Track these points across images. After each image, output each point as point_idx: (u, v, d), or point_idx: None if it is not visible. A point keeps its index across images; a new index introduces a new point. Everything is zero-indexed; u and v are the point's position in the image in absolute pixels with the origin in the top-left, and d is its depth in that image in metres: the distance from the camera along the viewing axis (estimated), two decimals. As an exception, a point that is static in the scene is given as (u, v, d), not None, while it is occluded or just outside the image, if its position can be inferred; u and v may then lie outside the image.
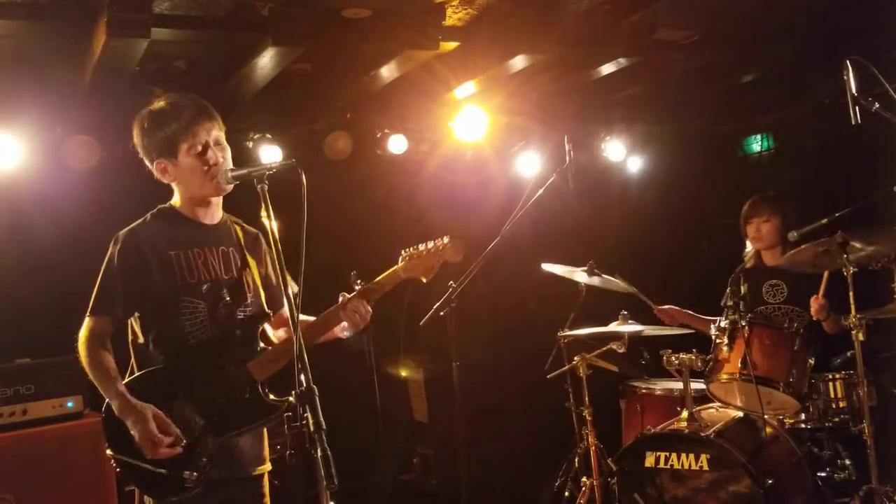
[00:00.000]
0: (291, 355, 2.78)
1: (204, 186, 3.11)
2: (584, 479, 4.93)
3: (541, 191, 4.63)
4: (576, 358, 4.91)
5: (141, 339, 3.12)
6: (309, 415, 2.40)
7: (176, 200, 3.22)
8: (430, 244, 3.30)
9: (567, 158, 4.80)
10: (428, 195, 6.77)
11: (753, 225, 5.02)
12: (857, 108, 3.24)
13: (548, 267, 5.07)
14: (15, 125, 4.90)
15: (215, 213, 3.26)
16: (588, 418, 4.89)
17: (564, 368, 5.02)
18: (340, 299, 3.20)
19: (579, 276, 5.01)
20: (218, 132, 3.14)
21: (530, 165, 6.78)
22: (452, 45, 5.11)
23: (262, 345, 3.18)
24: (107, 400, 3.00)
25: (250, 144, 5.57)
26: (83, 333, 3.07)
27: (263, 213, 2.71)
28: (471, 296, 4.52)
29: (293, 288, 2.85)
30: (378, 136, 6.17)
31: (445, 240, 3.32)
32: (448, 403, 6.52)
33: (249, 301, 3.20)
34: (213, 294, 3.11)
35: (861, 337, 4.11)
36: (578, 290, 5.15)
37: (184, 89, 5.25)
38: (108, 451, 3.03)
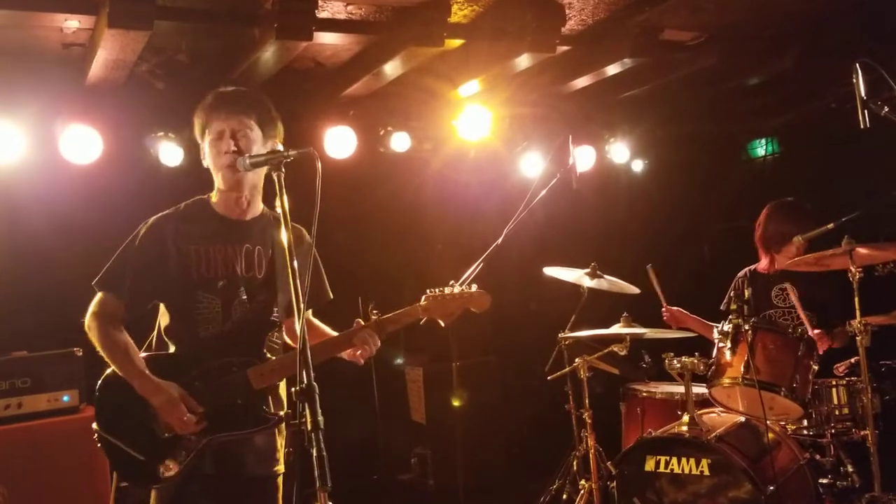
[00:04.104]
0: (291, 371, 2.80)
1: (218, 173, 3.13)
2: (582, 481, 4.90)
3: (544, 191, 4.59)
4: (576, 360, 4.87)
5: (162, 324, 3.15)
6: (308, 413, 2.36)
7: (213, 192, 3.21)
8: (457, 289, 3.25)
9: (571, 159, 4.76)
10: (430, 193, 6.75)
11: (793, 246, 4.89)
12: (865, 111, 3.21)
13: (550, 271, 5.03)
14: (14, 118, 4.87)
15: (250, 208, 3.21)
16: (588, 421, 4.85)
17: (565, 370, 4.99)
18: (355, 325, 3.17)
19: (581, 278, 4.97)
20: (244, 123, 3.13)
21: (533, 165, 6.75)
22: (457, 42, 5.09)
23: (268, 353, 3.15)
24: (103, 377, 3.03)
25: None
26: (92, 308, 3.07)
27: (278, 201, 2.68)
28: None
29: (328, 294, 3.00)
30: (381, 133, 6.14)
31: (473, 288, 3.26)
32: (446, 404, 6.53)
33: (266, 304, 3.17)
34: (229, 291, 3.09)
35: (866, 343, 4.08)
36: (580, 292, 5.12)
37: (186, 83, 5.28)
38: (95, 426, 3.04)
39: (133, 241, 3.10)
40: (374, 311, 3.19)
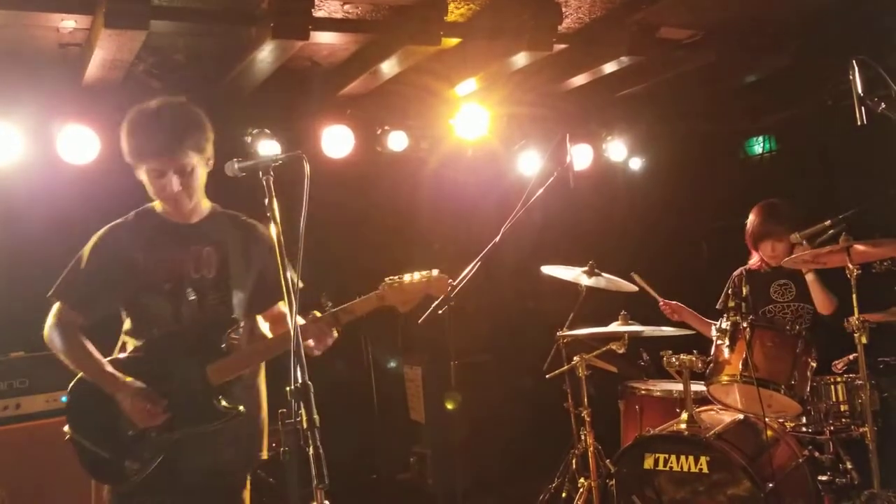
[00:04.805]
0: (249, 365, 3.13)
1: (167, 203, 3.19)
2: (581, 480, 4.89)
3: (541, 190, 4.59)
4: (575, 358, 4.87)
5: (124, 328, 3.26)
6: (303, 411, 2.38)
7: (157, 201, 3.27)
8: (417, 275, 3.22)
9: (568, 157, 4.76)
10: (428, 193, 6.74)
11: (768, 244, 4.98)
12: (862, 108, 3.21)
13: (547, 270, 5.03)
14: (11, 118, 4.86)
15: (195, 211, 3.27)
16: (586, 419, 4.85)
17: (563, 368, 4.99)
18: (310, 317, 3.17)
19: (579, 276, 4.97)
20: (184, 162, 3.08)
21: (531, 164, 6.75)
22: (454, 41, 5.09)
23: (227, 350, 3.19)
24: (73, 382, 3.18)
25: (249, 139, 5.52)
26: (50, 320, 3.20)
27: (267, 204, 2.70)
28: (470, 295, 4.48)
29: (294, 279, 2.78)
30: (378, 132, 6.14)
31: (434, 272, 3.24)
32: (445, 403, 6.52)
33: (221, 303, 3.22)
34: (177, 293, 3.16)
35: (864, 340, 4.08)
36: (578, 290, 5.12)
37: (182, 83, 5.27)
38: (66, 429, 3.17)
39: (82, 256, 3.20)
40: (329, 304, 3.25)
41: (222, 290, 3.22)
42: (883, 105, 3.21)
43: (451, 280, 3.32)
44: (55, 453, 4.61)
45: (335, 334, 3.17)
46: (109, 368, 3.10)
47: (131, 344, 3.22)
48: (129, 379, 3.06)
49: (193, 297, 3.17)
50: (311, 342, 3.11)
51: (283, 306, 3.36)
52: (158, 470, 3.05)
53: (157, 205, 3.26)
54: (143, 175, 3.13)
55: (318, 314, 3.17)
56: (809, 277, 4.81)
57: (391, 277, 3.23)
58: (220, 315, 3.21)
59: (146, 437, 3.06)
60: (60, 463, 4.60)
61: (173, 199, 3.13)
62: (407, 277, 3.22)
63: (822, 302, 4.82)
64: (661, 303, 5.28)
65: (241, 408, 3.15)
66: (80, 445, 3.13)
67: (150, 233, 3.21)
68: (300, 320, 3.12)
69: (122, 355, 3.21)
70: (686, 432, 4.28)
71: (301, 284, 2.72)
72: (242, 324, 3.26)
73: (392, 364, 6.99)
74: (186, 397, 3.08)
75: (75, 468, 4.64)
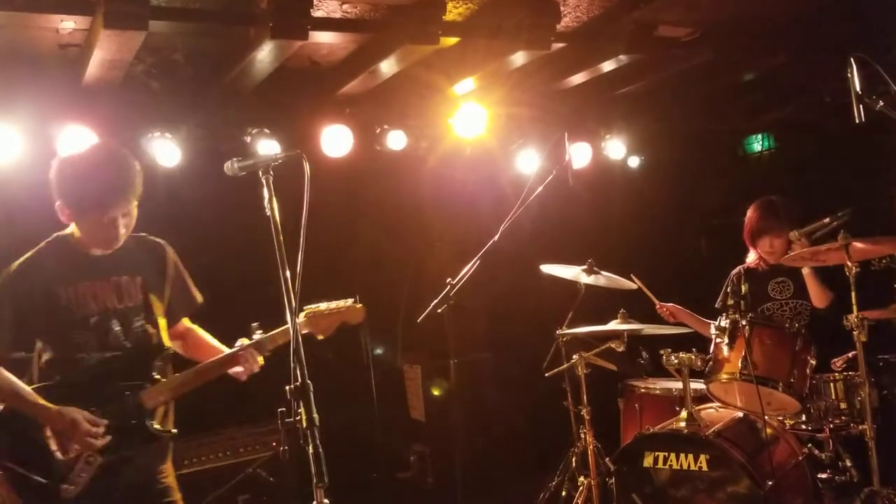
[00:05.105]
0: (182, 391, 3.26)
1: (98, 243, 3.26)
2: (581, 478, 4.90)
3: (540, 188, 4.60)
4: (574, 356, 4.88)
5: (44, 358, 3.26)
6: (302, 411, 2.39)
7: (70, 230, 3.30)
8: (334, 304, 3.47)
9: (566, 156, 4.77)
10: (427, 191, 6.74)
11: (766, 241, 4.99)
12: (860, 106, 3.21)
13: (547, 268, 5.04)
14: (11, 118, 4.87)
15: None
16: (586, 417, 4.86)
17: (563, 367, 4.99)
18: (238, 345, 3.38)
19: (578, 275, 4.97)
20: (130, 205, 3.22)
21: (530, 163, 6.75)
22: (452, 40, 5.09)
23: (157, 374, 3.31)
24: None
25: (248, 139, 5.53)
26: None
27: (267, 203, 2.74)
28: (469, 293, 4.48)
29: (198, 298, 3.39)
30: (377, 131, 6.14)
31: (349, 301, 3.49)
32: (445, 401, 6.53)
33: (145, 330, 3.34)
34: (103, 325, 3.24)
35: (863, 338, 4.08)
36: (577, 289, 5.12)
37: (182, 83, 5.28)
38: None
39: (1, 289, 3.18)
40: (259, 332, 3.40)
41: (145, 316, 3.34)
42: (881, 103, 3.21)
43: (360, 305, 3.52)
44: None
45: (261, 361, 3.37)
46: (40, 400, 3.10)
47: (58, 374, 3.22)
48: (66, 408, 3.08)
49: (119, 328, 3.26)
50: (239, 368, 3.35)
51: (187, 322, 3.59)
52: (94, 491, 3.11)
53: (72, 234, 3.28)
54: (86, 222, 3.19)
55: (246, 341, 3.37)
56: (805, 270, 4.82)
57: (310, 306, 3.43)
58: (148, 341, 3.33)
59: (80, 460, 3.11)
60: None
61: (115, 241, 3.23)
62: (324, 306, 3.45)
63: (816, 295, 4.84)
64: (658, 306, 5.29)
65: (174, 430, 3.33)
66: (12, 473, 3.12)
67: (68, 265, 3.25)
68: (224, 348, 3.44)
69: (50, 383, 3.21)
70: (685, 430, 4.29)
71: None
72: (169, 348, 3.40)
73: (378, 351, 6.99)
74: (121, 422, 3.17)
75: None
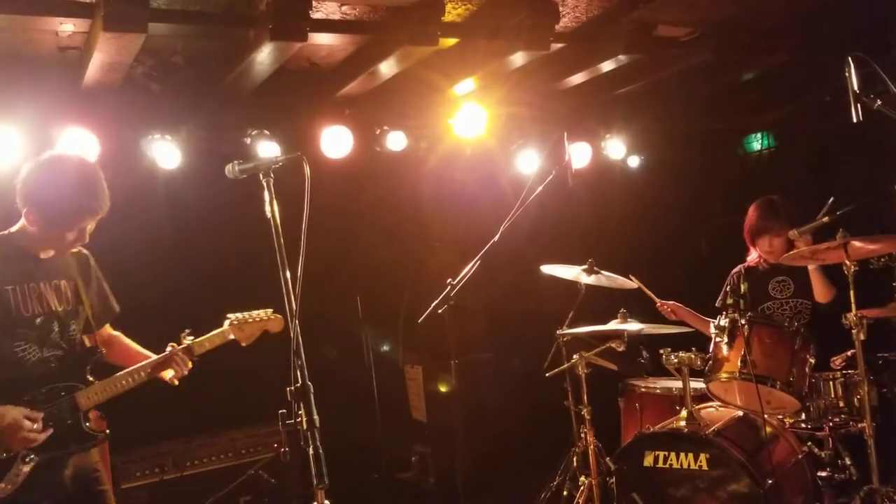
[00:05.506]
0: (116, 392, 3.37)
1: (53, 248, 3.37)
2: (582, 478, 4.90)
3: (540, 188, 4.60)
4: (574, 356, 4.88)
5: None
6: (303, 412, 2.40)
7: (16, 230, 3.34)
8: (255, 314, 3.72)
9: (566, 156, 4.77)
10: (427, 192, 6.75)
11: (766, 240, 5.00)
12: (858, 105, 3.21)
13: (547, 269, 5.05)
14: (12, 121, 4.87)
15: None
16: (587, 417, 4.86)
17: (563, 367, 4.99)
18: (169, 349, 3.53)
19: (578, 275, 4.98)
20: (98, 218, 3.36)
21: (529, 163, 6.76)
22: (452, 41, 5.09)
23: (90, 377, 3.40)
24: None
25: (248, 140, 5.54)
26: None
27: (267, 206, 2.77)
28: (469, 294, 4.49)
29: (116, 308, 3.55)
30: (377, 132, 6.14)
31: (269, 312, 3.73)
32: (446, 402, 6.54)
33: (79, 332, 3.45)
34: (45, 327, 3.32)
35: (862, 336, 4.09)
36: (577, 289, 5.13)
37: (182, 85, 5.28)
38: None
39: None
40: (190, 337, 3.59)
41: (79, 320, 3.46)
42: (879, 102, 3.22)
43: (279, 316, 3.75)
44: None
45: (190, 365, 3.55)
46: None
47: None
48: (3, 407, 3.12)
49: (58, 330, 3.35)
50: (170, 373, 3.52)
51: (110, 329, 3.74)
52: (30, 489, 3.16)
53: (19, 233, 3.34)
54: (55, 229, 3.26)
55: (175, 345, 3.55)
56: (811, 266, 4.82)
57: (234, 314, 3.69)
58: (82, 344, 3.46)
59: (17, 460, 3.15)
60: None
61: (70, 249, 3.39)
62: (247, 315, 3.70)
63: (820, 291, 4.84)
64: (659, 304, 5.31)
65: (107, 430, 3.43)
66: None
67: (17, 265, 3.31)
68: (150, 354, 3.57)
69: None
70: (686, 429, 4.30)
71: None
72: (101, 351, 3.50)
73: (385, 348, 7.01)
74: (57, 422, 3.25)
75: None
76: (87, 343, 3.49)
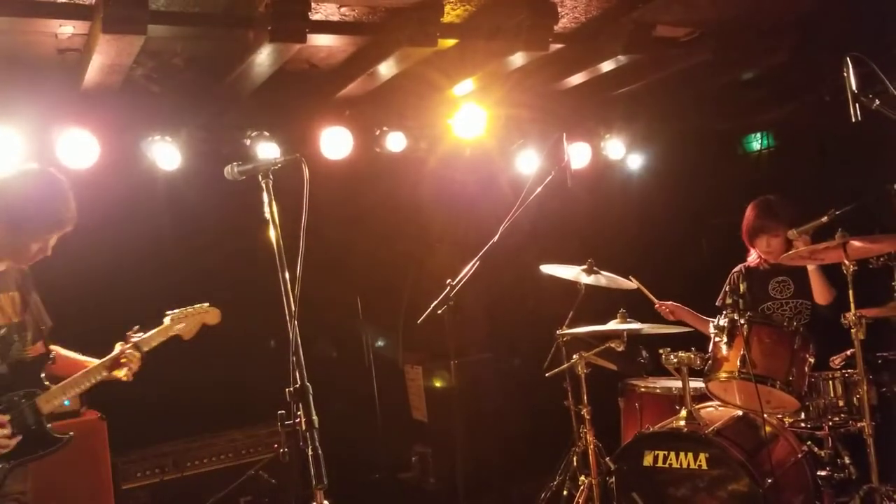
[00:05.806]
0: (73, 393, 3.51)
1: (18, 258, 3.49)
2: (582, 477, 4.91)
3: (539, 188, 4.61)
4: (574, 356, 4.89)
5: None
6: (302, 413, 2.40)
7: None
8: (192, 308, 3.84)
9: (565, 157, 4.78)
10: (426, 192, 6.75)
11: (763, 240, 5.01)
12: (857, 105, 3.21)
13: (547, 269, 5.05)
14: (12, 123, 4.88)
15: None
16: (586, 417, 4.87)
17: (563, 367, 5.00)
18: (118, 348, 3.65)
19: (578, 275, 4.99)
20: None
21: (529, 163, 6.76)
22: (451, 41, 5.10)
23: (46, 381, 3.51)
24: None
25: (248, 142, 5.54)
26: None
27: (267, 207, 2.79)
28: (469, 294, 4.50)
29: (48, 321, 3.58)
30: (377, 133, 6.15)
31: (206, 305, 3.87)
32: (446, 402, 6.54)
33: (32, 341, 3.54)
34: (8, 337, 3.43)
35: (861, 336, 4.09)
36: (577, 289, 5.13)
37: (181, 86, 5.29)
38: None
39: None
40: (139, 334, 3.70)
41: (31, 329, 3.55)
42: (877, 102, 3.22)
43: (215, 309, 3.90)
44: (57, 457, 4.69)
45: (139, 360, 3.65)
46: None
47: None
48: None
49: (16, 338, 3.46)
50: (123, 371, 3.61)
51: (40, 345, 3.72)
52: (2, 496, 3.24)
53: None
54: (19, 241, 3.38)
55: (123, 345, 3.66)
56: (811, 267, 4.82)
57: (172, 311, 3.81)
58: (35, 351, 3.55)
59: None
60: (63, 467, 4.64)
61: (31, 261, 3.50)
62: (185, 310, 3.83)
63: (820, 292, 4.84)
64: (658, 304, 5.31)
65: (71, 433, 3.53)
66: None
67: None
68: (93, 360, 3.64)
69: None
70: (685, 429, 4.31)
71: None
72: (52, 356, 3.61)
73: (379, 344, 7.00)
74: (23, 430, 3.33)
75: (77, 470, 4.72)
76: (40, 349, 3.57)
